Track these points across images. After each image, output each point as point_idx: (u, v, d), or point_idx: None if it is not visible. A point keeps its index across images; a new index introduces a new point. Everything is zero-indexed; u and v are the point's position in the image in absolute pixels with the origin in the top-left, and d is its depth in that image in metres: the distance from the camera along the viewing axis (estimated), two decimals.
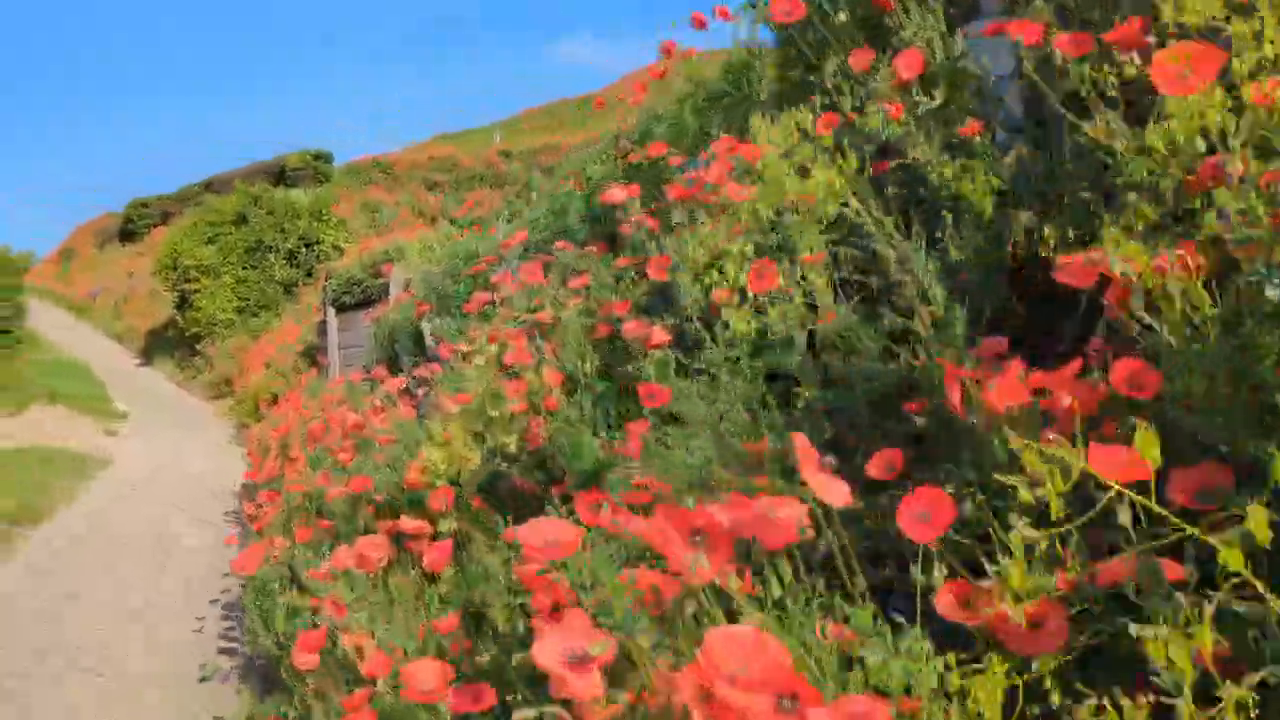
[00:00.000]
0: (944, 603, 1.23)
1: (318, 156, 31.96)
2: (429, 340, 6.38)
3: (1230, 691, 0.95)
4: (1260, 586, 0.98)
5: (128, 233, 35.19)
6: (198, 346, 22.20)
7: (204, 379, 21.37)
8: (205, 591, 6.43)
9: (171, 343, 24.49)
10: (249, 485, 6.05)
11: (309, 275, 21.98)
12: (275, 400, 14.81)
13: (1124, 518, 1.07)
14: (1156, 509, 1.06)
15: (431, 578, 2.40)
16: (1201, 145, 1.50)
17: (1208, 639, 0.96)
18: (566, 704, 1.03)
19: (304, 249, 22.15)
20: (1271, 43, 1.47)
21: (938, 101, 2.38)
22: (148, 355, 25.52)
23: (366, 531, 3.15)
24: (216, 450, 14.13)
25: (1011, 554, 1.16)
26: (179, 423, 17.44)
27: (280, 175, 29.89)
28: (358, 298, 13.12)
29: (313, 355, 15.28)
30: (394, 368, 6.60)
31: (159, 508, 9.06)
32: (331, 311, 13.38)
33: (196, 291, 22.18)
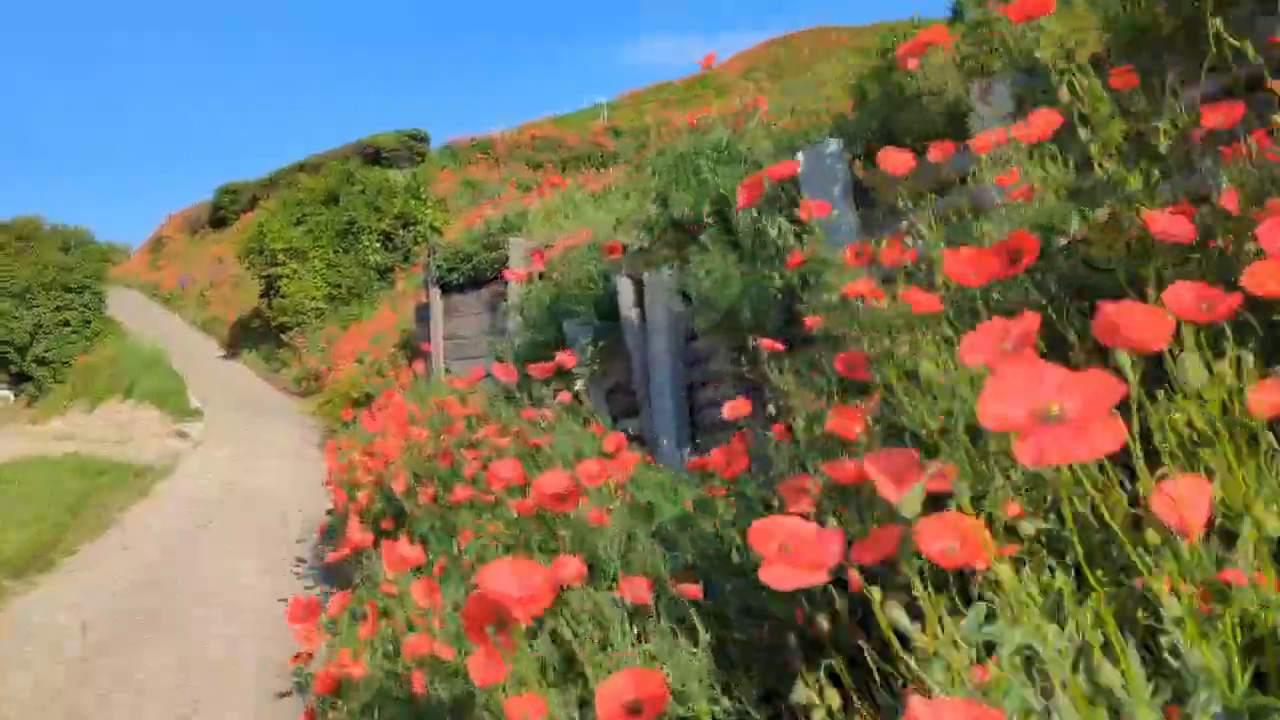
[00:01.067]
0: None
1: (414, 136, 29.79)
2: (629, 309, 3.72)
3: None
4: None
5: (218, 219, 33.78)
6: (284, 337, 20.13)
7: (291, 373, 19.28)
8: None
9: (257, 333, 22.57)
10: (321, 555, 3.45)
11: (406, 259, 19.71)
12: (369, 401, 12.43)
13: None
14: None
15: None
16: None
17: None
18: None
19: (400, 230, 19.86)
20: None
21: None
22: (233, 346, 23.69)
23: None
24: (300, 461, 11.76)
25: None
26: (260, 423, 15.24)
27: (375, 157, 27.87)
28: (466, 275, 10.55)
29: (413, 347, 12.84)
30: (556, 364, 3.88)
31: (209, 558, 6.56)
32: (436, 293, 10.83)
33: (284, 277, 20.11)
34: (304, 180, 21.64)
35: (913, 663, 0.95)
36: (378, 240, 19.81)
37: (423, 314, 11.54)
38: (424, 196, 20.29)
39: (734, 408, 2.11)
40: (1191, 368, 1.04)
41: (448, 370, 10.73)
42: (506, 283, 8.75)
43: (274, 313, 20.39)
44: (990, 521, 1.12)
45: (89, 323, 21.92)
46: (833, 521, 1.22)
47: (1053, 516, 1.22)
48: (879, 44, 6.84)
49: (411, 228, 19.82)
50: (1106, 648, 0.92)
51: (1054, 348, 1.42)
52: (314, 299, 19.79)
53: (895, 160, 2.20)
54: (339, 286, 19.86)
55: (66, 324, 21.60)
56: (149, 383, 17.61)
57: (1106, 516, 1.02)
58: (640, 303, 3.75)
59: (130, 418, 16.22)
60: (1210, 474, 1.04)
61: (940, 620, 0.95)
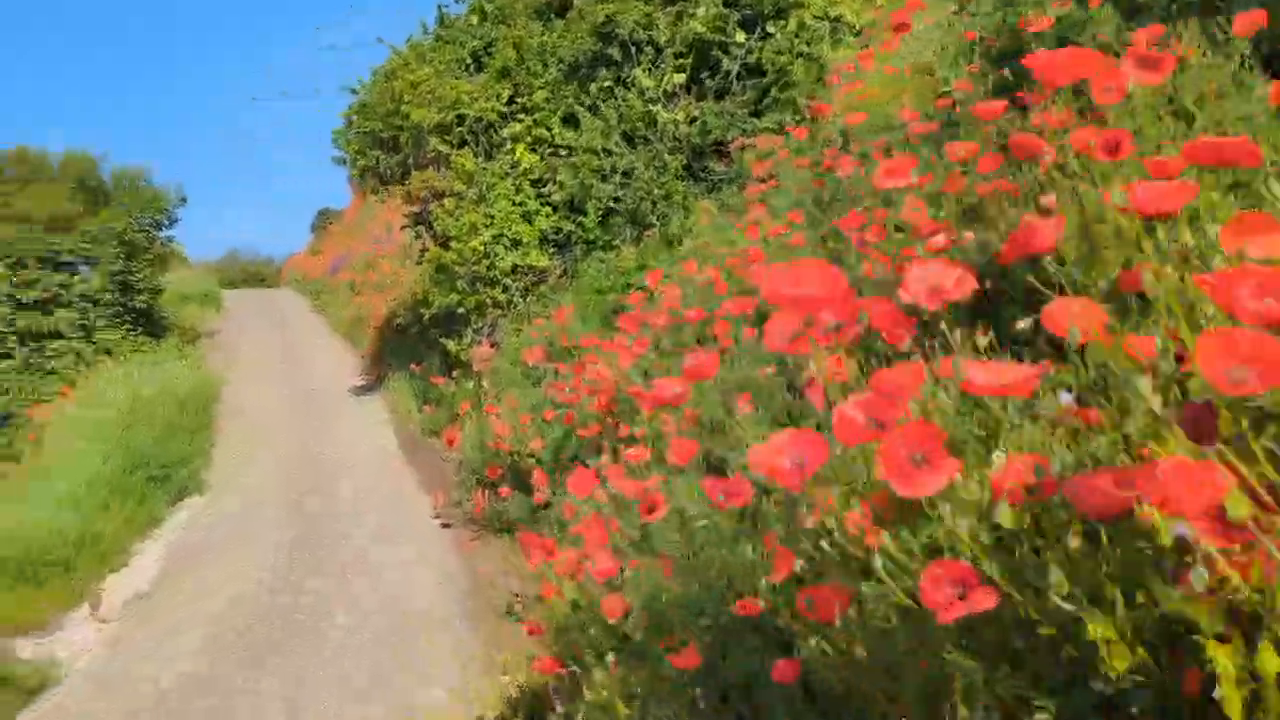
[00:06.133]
0: None
1: None
2: None
3: None
4: None
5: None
6: (451, 345, 8.13)
7: (467, 438, 7.05)
8: None
9: (412, 340, 10.73)
10: None
11: (745, 130, 6.94)
12: None
13: None
14: None
15: None
16: None
17: None
18: None
19: (735, 51, 7.11)
20: None
21: None
22: (376, 367, 12.06)
23: None
24: None
25: None
26: None
27: None
28: None
29: None
30: None
31: None
32: None
33: (443, 197, 8.07)
34: None
35: None
36: (676, 68, 7.21)
37: None
38: None
39: None
40: None
41: None
42: None
43: (431, 291, 8.47)
44: None
45: (88, 333, 10.85)
46: None
47: None
48: None
49: (767, 43, 7.07)
50: None
51: None
52: (516, 245, 7.61)
53: None
54: (578, 209, 7.51)
55: (50, 336, 10.70)
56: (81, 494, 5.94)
57: None
58: None
59: None
60: None
61: None
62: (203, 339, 13.82)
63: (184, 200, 13.19)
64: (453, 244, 7.77)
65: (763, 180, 5.75)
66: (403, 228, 11.10)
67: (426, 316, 8.77)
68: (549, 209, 7.84)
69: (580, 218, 7.59)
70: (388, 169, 8.73)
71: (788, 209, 4.47)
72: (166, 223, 13.00)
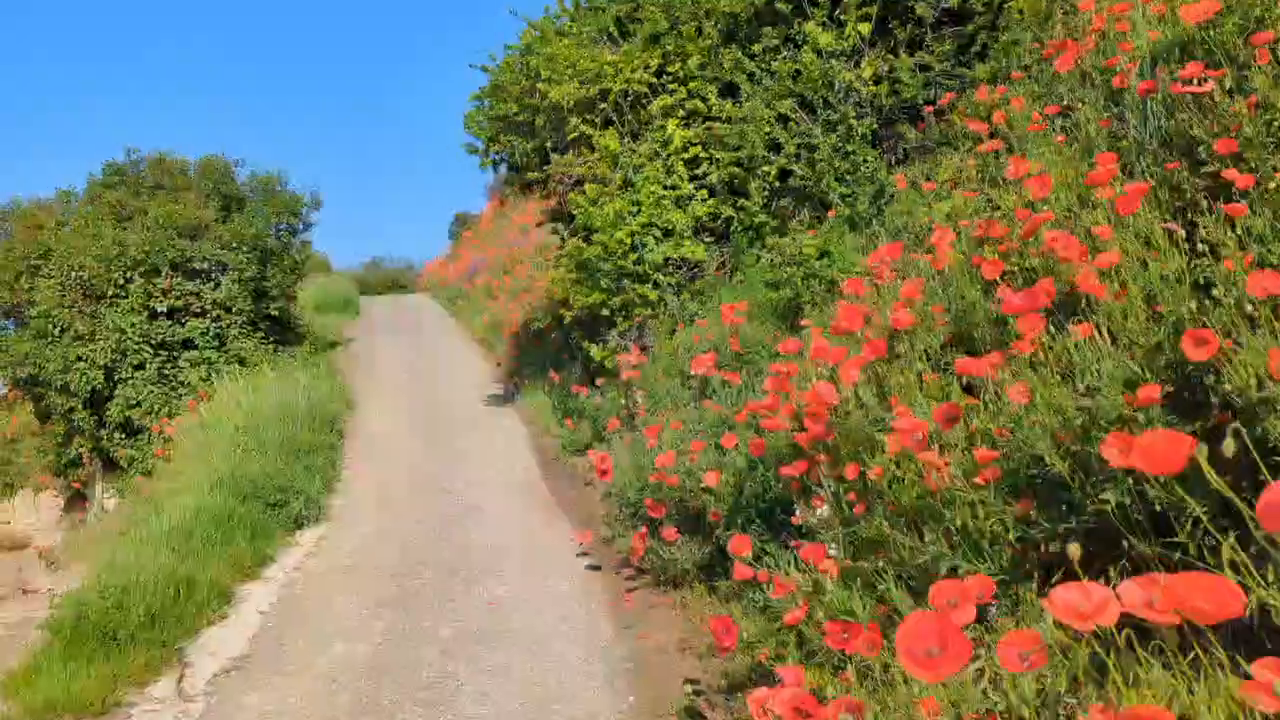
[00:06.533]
0: None
1: None
2: None
3: None
4: None
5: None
6: (594, 351, 7.18)
7: (625, 467, 6.07)
8: None
9: (551, 346, 9.91)
10: None
11: (951, 85, 5.71)
12: None
13: None
14: None
15: None
16: None
17: None
18: None
19: None
20: None
21: None
22: (514, 372, 11.27)
23: None
24: None
25: None
26: None
27: None
28: None
29: None
30: None
31: None
32: None
33: (590, 187, 7.12)
34: None
35: None
36: (860, 19, 6.02)
37: None
38: None
39: None
40: None
41: None
42: None
43: (570, 290, 7.53)
44: None
45: (220, 342, 10.47)
46: None
47: None
48: None
49: None
50: None
51: None
52: (667, 234, 6.60)
53: None
54: (738, 190, 6.43)
55: (183, 345, 10.39)
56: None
57: None
58: None
59: None
60: None
61: None
62: (339, 346, 13.45)
63: (319, 204, 12.83)
64: (595, 236, 6.82)
65: (979, 140, 4.55)
66: (538, 224, 10.30)
67: (567, 319, 7.87)
68: (705, 192, 6.80)
69: (741, 200, 6.52)
70: (523, 156, 7.87)
71: (1061, 163, 3.28)
72: (301, 227, 12.66)
